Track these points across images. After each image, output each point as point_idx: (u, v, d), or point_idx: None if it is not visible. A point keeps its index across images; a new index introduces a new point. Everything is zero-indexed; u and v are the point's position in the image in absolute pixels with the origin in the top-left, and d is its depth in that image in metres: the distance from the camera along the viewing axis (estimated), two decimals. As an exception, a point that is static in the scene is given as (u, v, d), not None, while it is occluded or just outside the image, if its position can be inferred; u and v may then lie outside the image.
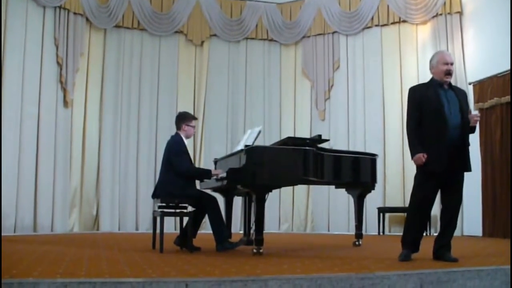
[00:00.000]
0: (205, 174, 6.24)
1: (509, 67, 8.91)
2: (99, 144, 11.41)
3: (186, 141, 6.34)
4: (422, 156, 4.86)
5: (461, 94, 5.08)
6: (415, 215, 5.06)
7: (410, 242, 4.99)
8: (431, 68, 5.14)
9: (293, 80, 12.67)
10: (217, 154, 9.71)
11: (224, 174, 5.73)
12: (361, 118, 11.80)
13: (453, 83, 5.24)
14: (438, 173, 4.86)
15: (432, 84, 5.06)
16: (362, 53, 12.00)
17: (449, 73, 4.98)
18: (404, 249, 4.97)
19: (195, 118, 6.58)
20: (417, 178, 5.05)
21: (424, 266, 4.36)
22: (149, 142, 11.74)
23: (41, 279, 3.32)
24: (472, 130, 4.99)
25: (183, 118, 6.40)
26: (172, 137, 6.37)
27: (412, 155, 4.97)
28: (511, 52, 8.54)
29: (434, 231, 10.01)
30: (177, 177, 6.05)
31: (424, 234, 7.84)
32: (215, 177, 6.10)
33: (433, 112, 4.89)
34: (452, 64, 5.04)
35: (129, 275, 3.69)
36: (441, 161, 4.81)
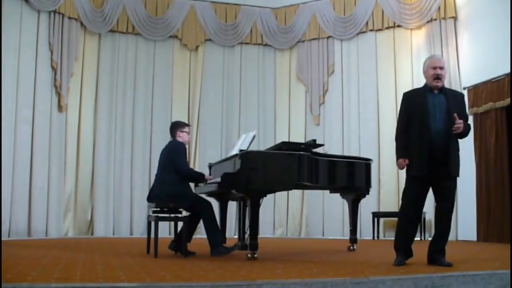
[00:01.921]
0: (200, 177, 6.33)
1: (504, 72, 8.95)
2: (93, 148, 11.37)
3: (183, 148, 6.39)
4: (403, 161, 4.97)
5: (455, 98, 5.06)
6: (404, 219, 5.12)
7: (402, 246, 5.02)
8: (423, 73, 5.17)
9: (287, 85, 12.67)
10: (211, 158, 9.73)
11: (217, 179, 5.73)
12: (355, 123, 11.80)
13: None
14: (421, 177, 4.91)
15: (423, 89, 5.09)
16: (357, 58, 12.01)
17: (437, 77, 4.96)
18: (398, 255, 4.98)
19: (188, 125, 6.62)
20: (406, 182, 5.14)
21: (419, 271, 4.37)
22: (144, 146, 11.70)
23: (35, 284, 3.31)
24: (460, 135, 4.94)
25: (176, 126, 6.50)
26: (171, 141, 6.41)
27: (396, 159, 5.07)
28: (511, 56, 8.55)
29: (429, 235, 10.02)
30: (174, 178, 6.08)
31: (418, 238, 7.90)
32: (207, 182, 6.25)
33: (418, 117, 4.94)
34: (441, 68, 4.99)
35: (123, 280, 3.68)
36: (421, 166, 4.87)
